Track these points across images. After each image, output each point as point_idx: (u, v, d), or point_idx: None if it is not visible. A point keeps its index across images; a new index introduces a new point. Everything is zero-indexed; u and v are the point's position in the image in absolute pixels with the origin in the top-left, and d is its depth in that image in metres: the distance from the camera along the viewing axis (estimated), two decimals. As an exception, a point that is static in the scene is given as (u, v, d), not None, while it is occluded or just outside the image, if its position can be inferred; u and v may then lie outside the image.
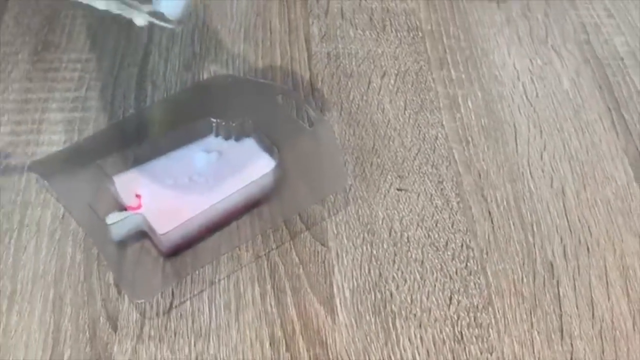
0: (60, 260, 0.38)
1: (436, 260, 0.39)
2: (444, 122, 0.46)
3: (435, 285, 0.38)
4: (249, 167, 0.41)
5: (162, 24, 0.36)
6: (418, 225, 0.41)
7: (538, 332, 0.37)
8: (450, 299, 0.38)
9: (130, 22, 0.36)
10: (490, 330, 0.37)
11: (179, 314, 0.36)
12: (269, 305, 0.37)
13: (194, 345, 0.35)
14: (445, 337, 0.36)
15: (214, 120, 0.43)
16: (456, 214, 0.41)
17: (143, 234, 0.38)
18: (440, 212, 0.41)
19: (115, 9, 0.36)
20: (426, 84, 0.48)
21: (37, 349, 0.35)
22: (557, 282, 0.39)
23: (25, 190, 0.40)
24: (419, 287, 0.38)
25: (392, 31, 0.52)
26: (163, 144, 0.42)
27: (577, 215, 0.42)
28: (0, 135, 0.43)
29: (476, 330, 0.37)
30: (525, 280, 0.39)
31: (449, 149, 0.45)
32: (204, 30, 0.50)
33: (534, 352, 0.36)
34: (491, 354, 0.36)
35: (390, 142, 0.45)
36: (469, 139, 0.45)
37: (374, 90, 0.48)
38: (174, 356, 0.35)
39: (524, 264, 0.40)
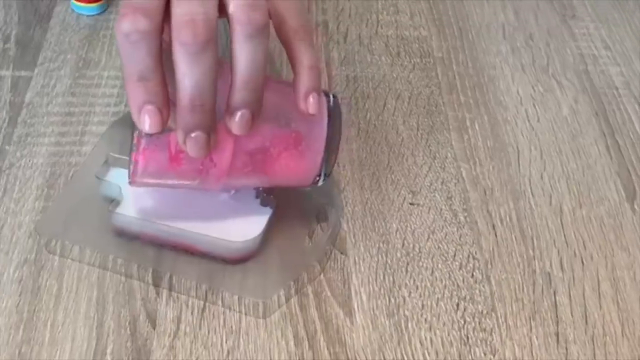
0: (102, 262, 0.40)
1: (445, 270, 0.41)
2: (453, 143, 0.48)
3: (444, 292, 0.40)
4: (231, 225, 0.40)
5: None
6: (429, 237, 0.43)
7: (536, 337, 0.39)
8: (458, 305, 0.40)
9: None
10: (493, 334, 0.39)
11: (212, 314, 0.38)
12: (293, 307, 0.39)
13: (226, 342, 0.37)
14: (452, 340, 0.38)
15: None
16: (463, 228, 0.43)
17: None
18: (449, 226, 0.43)
19: None
20: (437, 107, 0.51)
21: (82, 342, 0.37)
22: (554, 291, 0.41)
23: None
24: (429, 294, 0.40)
25: (406, 57, 0.54)
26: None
27: (573, 230, 0.44)
28: (46, 146, 0.46)
29: (481, 334, 0.39)
30: (525, 289, 0.41)
31: (457, 168, 0.47)
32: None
33: (532, 355, 0.38)
34: (494, 356, 0.38)
35: (404, 160, 0.47)
36: (476, 158, 0.48)
37: (388, 111, 0.50)
38: (207, 351, 0.37)
39: (524, 274, 0.41)
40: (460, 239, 0.43)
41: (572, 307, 0.40)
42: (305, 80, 0.36)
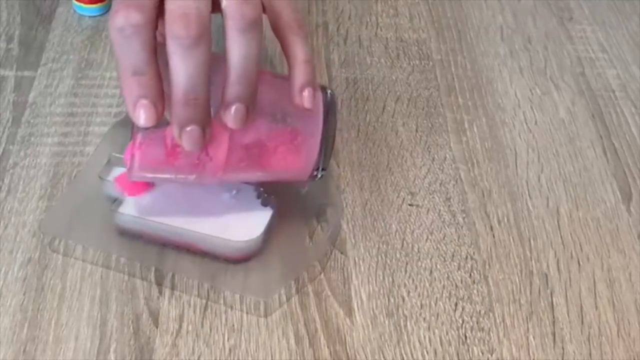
0: (105, 262, 0.40)
1: (443, 270, 0.42)
2: (451, 145, 0.49)
3: (442, 292, 0.41)
4: (233, 224, 0.41)
5: None
6: (427, 237, 0.43)
7: (533, 336, 0.39)
8: (456, 305, 0.40)
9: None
10: (491, 333, 0.39)
11: (214, 312, 0.39)
12: (294, 306, 0.39)
13: (228, 340, 0.38)
14: (450, 339, 0.39)
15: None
16: (462, 229, 0.44)
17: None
18: (448, 227, 0.44)
19: None
20: (436, 109, 0.51)
21: (86, 341, 0.37)
22: (551, 292, 0.41)
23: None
24: (427, 294, 0.40)
25: (405, 59, 0.55)
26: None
27: (570, 232, 0.44)
28: (49, 146, 0.46)
29: (478, 333, 0.39)
30: (522, 289, 0.41)
31: (455, 169, 0.48)
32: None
33: (529, 354, 0.38)
34: (491, 355, 0.38)
35: (403, 162, 0.47)
36: (474, 160, 0.48)
37: (388, 113, 0.50)
38: (209, 349, 0.37)
39: (521, 275, 0.42)
40: (458, 239, 0.43)
41: (568, 307, 0.41)
42: (300, 75, 0.36)
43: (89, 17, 0.55)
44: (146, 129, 0.35)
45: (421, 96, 0.52)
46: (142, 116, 0.33)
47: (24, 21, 0.55)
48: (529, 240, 0.44)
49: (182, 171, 0.37)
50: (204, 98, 0.33)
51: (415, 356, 0.38)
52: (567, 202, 0.46)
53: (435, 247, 0.43)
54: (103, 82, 0.51)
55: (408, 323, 0.39)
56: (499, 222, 0.44)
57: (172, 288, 0.40)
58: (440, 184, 0.46)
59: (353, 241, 0.43)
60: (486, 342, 0.39)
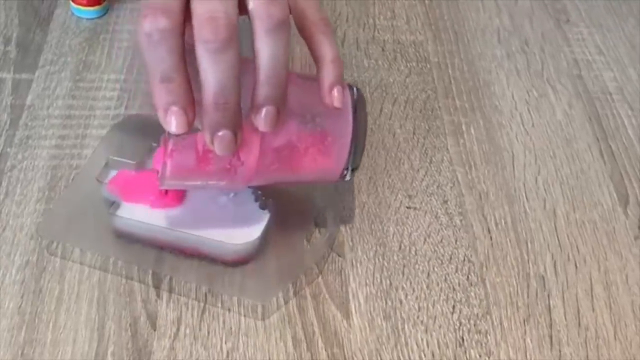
0: (103, 264, 0.40)
1: (441, 273, 0.42)
2: (449, 147, 0.49)
3: (439, 295, 0.41)
4: (230, 227, 0.41)
5: None
6: (425, 240, 0.43)
7: (530, 339, 0.39)
8: (453, 307, 0.40)
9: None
10: (488, 336, 0.39)
11: (212, 315, 0.39)
12: (292, 309, 0.39)
13: (225, 343, 0.38)
14: (448, 342, 0.39)
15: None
16: (459, 231, 0.44)
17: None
18: (445, 229, 0.44)
19: None
20: (433, 111, 0.51)
21: (83, 344, 0.37)
22: (548, 294, 0.41)
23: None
24: (425, 296, 0.41)
25: (402, 62, 0.55)
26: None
27: (567, 234, 0.45)
28: (47, 149, 0.46)
29: (476, 336, 0.39)
30: (519, 292, 0.41)
31: (453, 172, 0.48)
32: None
33: (526, 357, 0.38)
34: (489, 357, 0.38)
35: (400, 164, 0.48)
36: (471, 162, 0.48)
37: (385, 115, 0.51)
38: (207, 352, 0.37)
39: (518, 277, 0.42)
40: (456, 242, 0.43)
41: (565, 309, 0.41)
42: (328, 74, 0.36)
43: (87, 19, 0.55)
44: (177, 135, 0.34)
45: (418, 98, 0.52)
46: (174, 123, 0.33)
47: (22, 23, 0.55)
48: (526, 243, 0.44)
49: (214, 177, 0.37)
50: (235, 102, 0.33)
51: (412, 359, 0.38)
52: (564, 204, 0.46)
53: (432, 249, 0.43)
54: (101, 84, 0.51)
55: (405, 325, 0.39)
56: (496, 225, 0.45)
57: (170, 291, 0.40)
58: (438, 187, 0.46)
59: (351, 244, 0.43)
60: (483, 344, 0.39)
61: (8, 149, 0.46)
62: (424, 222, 0.44)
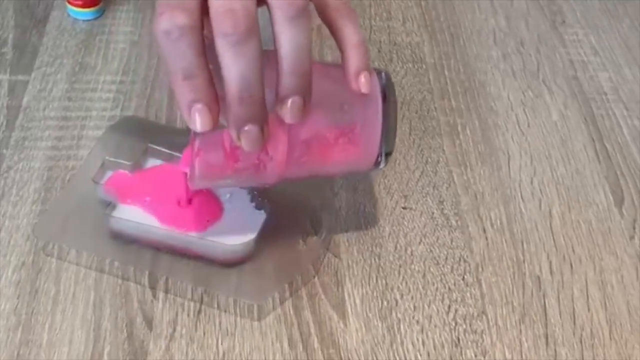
0: (99, 265, 0.40)
1: (436, 273, 0.42)
2: (444, 148, 0.49)
3: (435, 295, 0.41)
4: (226, 228, 0.41)
5: None
6: (420, 240, 0.43)
7: (526, 339, 0.39)
8: (449, 307, 0.40)
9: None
10: (484, 336, 0.39)
11: (208, 316, 0.39)
12: (288, 309, 0.39)
13: (221, 343, 0.38)
14: (444, 341, 0.39)
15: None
16: (455, 231, 0.44)
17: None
18: (441, 229, 0.44)
19: None
20: (429, 112, 0.51)
21: (79, 345, 0.37)
22: (544, 294, 0.41)
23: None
24: (421, 297, 0.41)
25: (398, 63, 0.55)
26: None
27: (562, 235, 0.45)
28: (43, 150, 0.46)
29: (471, 335, 0.39)
30: (515, 292, 0.41)
31: (449, 172, 0.48)
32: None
33: (522, 356, 0.39)
34: (484, 357, 0.38)
35: (396, 164, 0.48)
36: (467, 163, 0.48)
37: None
38: (203, 353, 0.37)
39: (514, 277, 0.42)
40: (451, 242, 0.44)
41: (560, 309, 0.41)
42: (354, 59, 0.35)
43: (83, 20, 0.55)
44: (203, 134, 0.34)
45: (414, 99, 0.52)
46: (198, 120, 0.32)
47: (18, 25, 0.55)
48: (522, 243, 0.44)
49: (243, 173, 0.36)
50: (259, 95, 0.32)
51: (408, 358, 0.38)
52: (559, 204, 0.46)
53: (428, 250, 0.43)
54: (97, 86, 0.51)
55: (401, 326, 0.39)
56: (492, 225, 0.45)
57: (166, 292, 0.40)
58: (434, 187, 0.46)
59: (346, 244, 0.43)
60: (479, 344, 0.39)
61: (4, 151, 0.46)
62: (419, 222, 0.44)
